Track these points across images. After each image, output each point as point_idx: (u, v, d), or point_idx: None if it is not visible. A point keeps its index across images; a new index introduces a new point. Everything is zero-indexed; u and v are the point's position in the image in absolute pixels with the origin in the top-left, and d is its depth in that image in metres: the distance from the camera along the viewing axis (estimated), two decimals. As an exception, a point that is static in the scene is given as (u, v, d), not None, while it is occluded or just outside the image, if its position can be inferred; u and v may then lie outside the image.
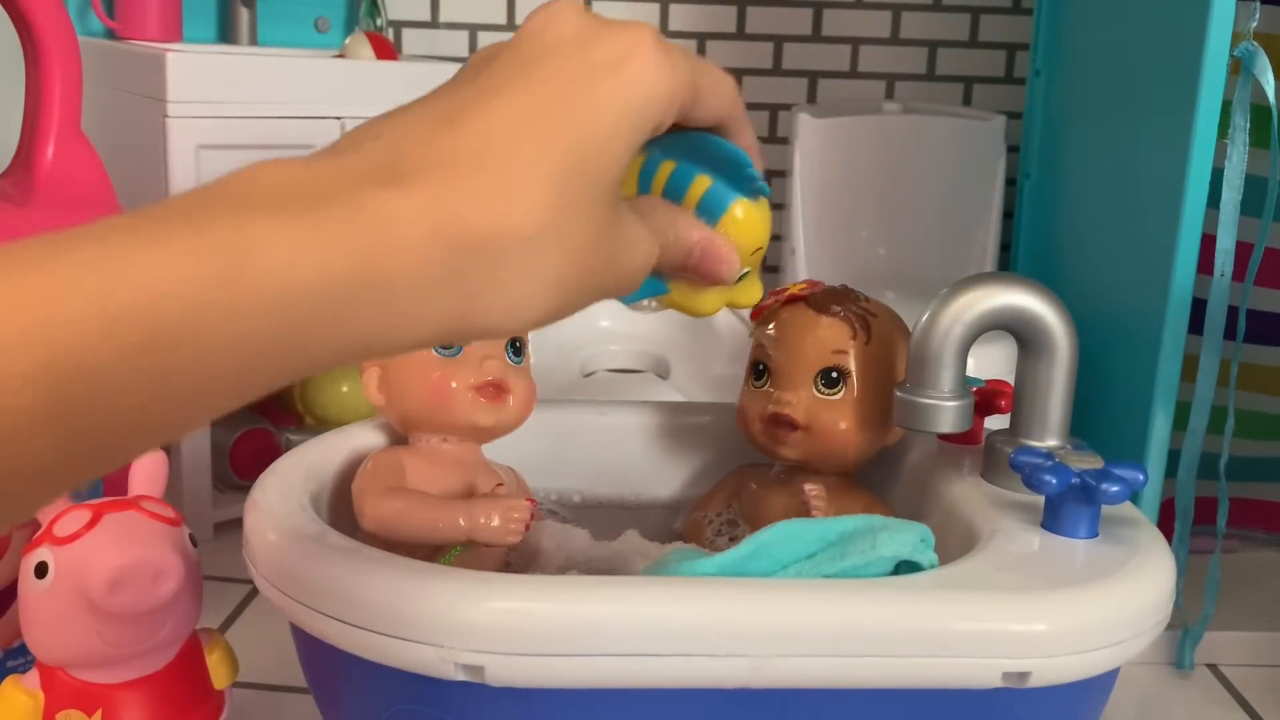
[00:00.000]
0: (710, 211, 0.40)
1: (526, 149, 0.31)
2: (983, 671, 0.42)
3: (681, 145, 0.40)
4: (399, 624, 0.41)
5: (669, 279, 0.41)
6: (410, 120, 0.31)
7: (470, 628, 0.41)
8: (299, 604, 0.44)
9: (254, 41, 1.11)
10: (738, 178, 0.40)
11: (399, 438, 0.57)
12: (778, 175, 1.19)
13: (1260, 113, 0.63)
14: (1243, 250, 0.65)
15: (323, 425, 0.89)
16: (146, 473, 0.51)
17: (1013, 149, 1.03)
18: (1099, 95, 0.81)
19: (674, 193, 0.40)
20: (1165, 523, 0.64)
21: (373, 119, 0.32)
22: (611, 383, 1.01)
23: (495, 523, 0.50)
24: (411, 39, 1.19)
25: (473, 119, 0.31)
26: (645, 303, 0.42)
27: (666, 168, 0.40)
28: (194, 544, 0.49)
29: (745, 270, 0.41)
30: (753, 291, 0.43)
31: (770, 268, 1.21)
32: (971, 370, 0.54)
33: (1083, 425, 0.59)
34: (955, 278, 0.53)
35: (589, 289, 0.33)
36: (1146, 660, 0.71)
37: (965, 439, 0.58)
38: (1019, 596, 0.43)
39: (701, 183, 0.40)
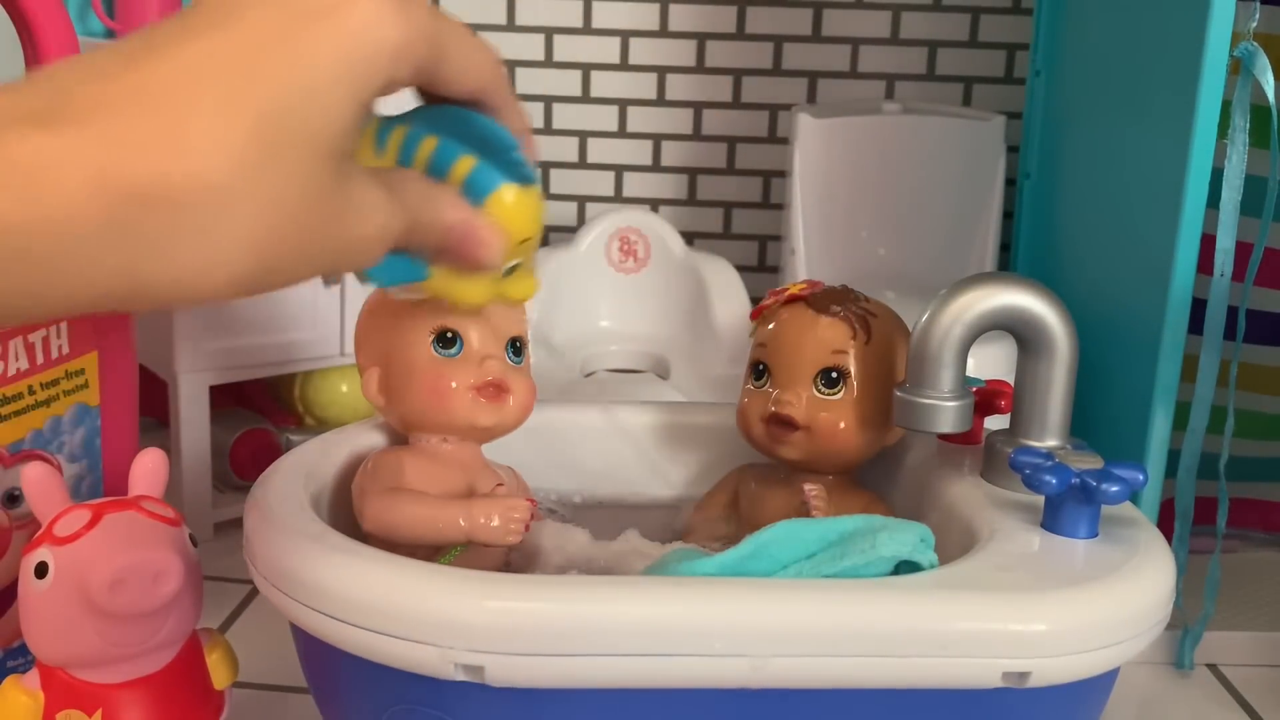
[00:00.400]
0: (475, 193, 0.37)
1: (217, 94, 0.27)
2: (983, 671, 0.42)
3: (446, 122, 0.37)
4: (399, 624, 0.41)
5: (430, 263, 0.38)
6: (95, 58, 0.28)
7: (470, 628, 0.41)
8: (299, 604, 0.44)
9: (254, 41, 1.11)
10: (505, 162, 0.38)
11: (399, 438, 0.57)
12: (777, 175, 1.19)
13: (1260, 113, 0.63)
14: (1243, 250, 0.65)
15: (323, 425, 0.89)
16: (146, 473, 0.51)
17: (1013, 149, 1.03)
18: (1099, 95, 0.81)
19: (437, 170, 0.37)
20: (1165, 523, 0.64)
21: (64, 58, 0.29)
22: (611, 383, 1.01)
23: (495, 523, 0.50)
24: (411, 39, 1.19)
25: (162, 60, 0.28)
26: (406, 288, 0.39)
27: (429, 143, 0.37)
28: (194, 544, 0.49)
29: (515, 261, 0.39)
30: (525, 285, 0.41)
31: (770, 268, 1.21)
32: (971, 370, 0.54)
33: (1083, 425, 0.59)
34: (955, 278, 0.53)
35: (302, 255, 0.30)
36: (1146, 660, 0.70)
37: (965, 439, 0.58)
38: (1019, 596, 0.43)
39: (466, 162, 0.37)
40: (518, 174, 0.38)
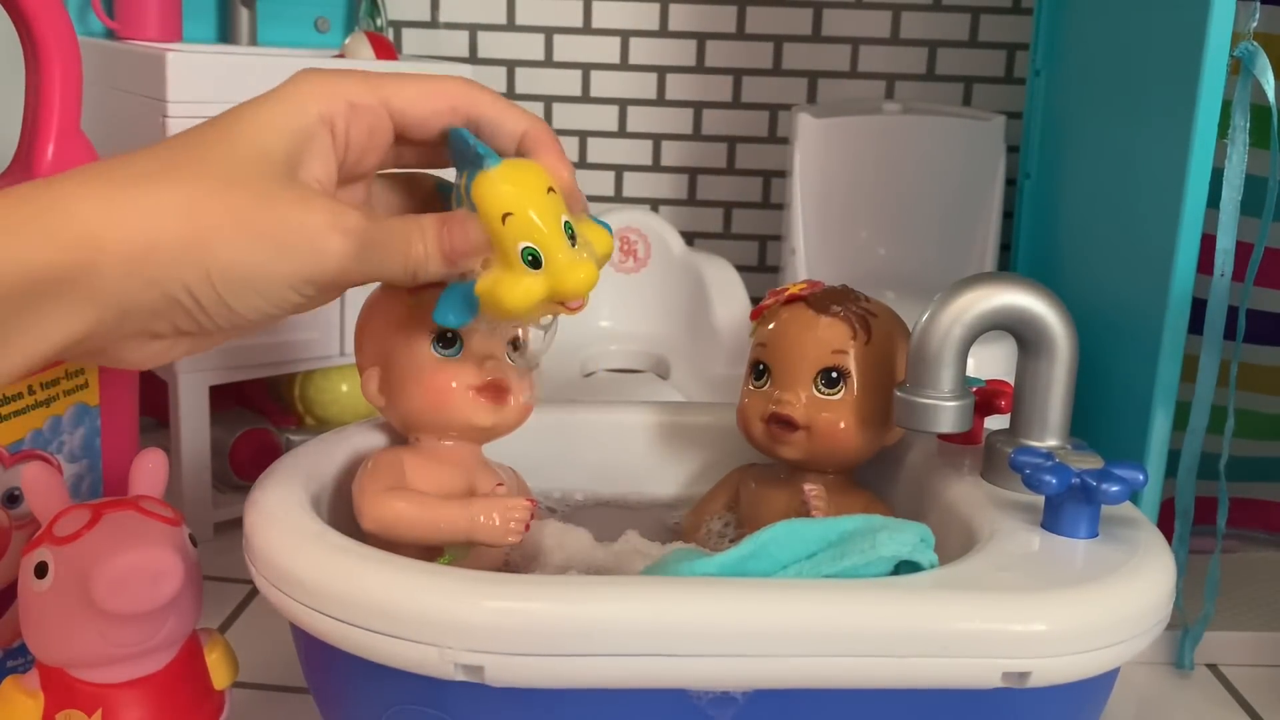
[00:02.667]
0: (469, 198, 0.42)
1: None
2: (983, 671, 0.42)
3: (454, 150, 0.44)
4: (399, 624, 0.41)
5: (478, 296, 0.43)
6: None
7: (470, 628, 0.41)
8: (299, 604, 0.44)
9: (254, 41, 1.11)
10: (472, 158, 0.42)
11: (399, 438, 0.57)
12: (777, 175, 1.19)
13: (1260, 113, 0.63)
14: (1243, 250, 0.65)
15: (323, 425, 0.89)
16: (146, 472, 0.51)
17: (1013, 149, 1.03)
18: (1099, 95, 0.81)
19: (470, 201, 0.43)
20: (1165, 523, 0.64)
21: None
22: (611, 383, 1.01)
23: (495, 523, 0.50)
24: (411, 39, 1.19)
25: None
26: (475, 322, 0.44)
27: (461, 182, 0.43)
28: (194, 544, 0.49)
29: (525, 246, 0.41)
30: (576, 273, 0.42)
31: (770, 268, 1.21)
32: (971, 370, 0.54)
33: (1083, 425, 0.59)
34: (955, 278, 0.53)
35: (241, 223, 0.39)
36: (1146, 660, 0.70)
37: (965, 439, 0.58)
38: (1019, 596, 0.43)
39: (463, 181, 0.43)
40: (479, 164, 0.42)
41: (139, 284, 0.38)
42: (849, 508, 0.55)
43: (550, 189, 0.43)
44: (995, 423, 0.58)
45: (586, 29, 1.18)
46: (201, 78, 0.80)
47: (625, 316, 1.07)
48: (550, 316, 0.45)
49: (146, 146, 0.40)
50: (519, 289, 0.42)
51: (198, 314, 0.39)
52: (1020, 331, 0.52)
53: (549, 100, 1.19)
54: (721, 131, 1.20)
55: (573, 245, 0.43)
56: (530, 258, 0.42)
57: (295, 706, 0.62)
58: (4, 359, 0.36)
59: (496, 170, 0.41)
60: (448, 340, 0.53)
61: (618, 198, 1.21)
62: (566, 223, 0.43)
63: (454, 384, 0.53)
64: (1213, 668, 0.71)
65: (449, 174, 0.48)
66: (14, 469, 0.56)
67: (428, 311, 0.53)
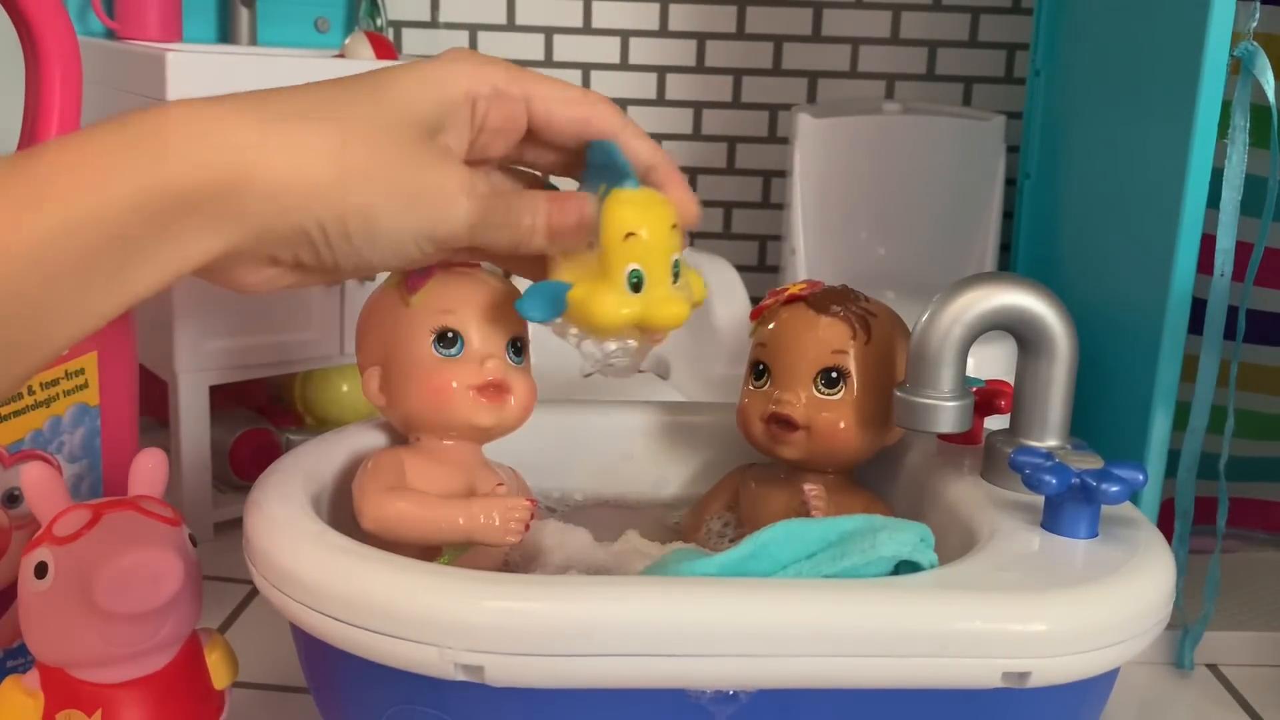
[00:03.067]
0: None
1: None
2: (983, 671, 0.42)
3: (594, 158, 0.46)
4: (399, 624, 0.41)
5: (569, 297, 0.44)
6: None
7: (470, 628, 0.41)
8: (299, 604, 0.44)
9: (254, 41, 1.11)
10: (611, 174, 0.44)
11: (399, 438, 0.57)
12: (777, 175, 1.19)
13: (1260, 113, 0.63)
14: (1243, 250, 0.65)
15: (323, 425, 0.89)
16: (146, 473, 0.51)
17: (1013, 149, 1.03)
18: (1099, 95, 0.81)
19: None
20: (1165, 523, 0.64)
21: None
22: (611, 383, 1.01)
23: (495, 522, 0.50)
24: (411, 39, 1.19)
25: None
26: (559, 321, 0.46)
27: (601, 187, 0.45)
28: (194, 544, 0.49)
29: (634, 268, 0.43)
30: (670, 309, 0.44)
31: (770, 268, 1.21)
32: (971, 370, 0.54)
33: (1083, 425, 0.59)
34: (955, 278, 0.53)
35: (385, 171, 0.41)
36: (1146, 660, 0.70)
37: (965, 439, 0.58)
38: (1019, 596, 0.43)
39: (600, 190, 0.45)
40: (615, 181, 0.44)
41: (277, 211, 0.39)
42: (849, 508, 0.55)
43: (674, 225, 0.45)
44: (995, 423, 0.58)
45: (586, 29, 1.18)
46: (201, 78, 0.80)
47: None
48: (616, 344, 0.46)
49: (296, 86, 0.42)
50: (610, 305, 0.44)
51: (324, 250, 0.41)
52: (1020, 331, 0.52)
53: (549, 100, 1.19)
54: (721, 131, 1.20)
55: (675, 283, 0.45)
56: (635, 281, 0.43)
57: (295, 706, 0.62)
58: (144, 277, 0.38)
59: (634, 192, 0.44)
60: (448, 340, 0.53)
61: (618, 198, 1.21)
62: (676, 260, 0.45)
63: (454, 384, 0.53)
64: (1213, 668, 0.71)
65: (562, 183, 0.50)
66: (14, 469, 0.56)
67: (428, 311, 0.53)
